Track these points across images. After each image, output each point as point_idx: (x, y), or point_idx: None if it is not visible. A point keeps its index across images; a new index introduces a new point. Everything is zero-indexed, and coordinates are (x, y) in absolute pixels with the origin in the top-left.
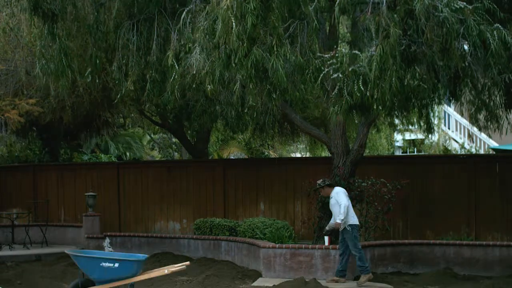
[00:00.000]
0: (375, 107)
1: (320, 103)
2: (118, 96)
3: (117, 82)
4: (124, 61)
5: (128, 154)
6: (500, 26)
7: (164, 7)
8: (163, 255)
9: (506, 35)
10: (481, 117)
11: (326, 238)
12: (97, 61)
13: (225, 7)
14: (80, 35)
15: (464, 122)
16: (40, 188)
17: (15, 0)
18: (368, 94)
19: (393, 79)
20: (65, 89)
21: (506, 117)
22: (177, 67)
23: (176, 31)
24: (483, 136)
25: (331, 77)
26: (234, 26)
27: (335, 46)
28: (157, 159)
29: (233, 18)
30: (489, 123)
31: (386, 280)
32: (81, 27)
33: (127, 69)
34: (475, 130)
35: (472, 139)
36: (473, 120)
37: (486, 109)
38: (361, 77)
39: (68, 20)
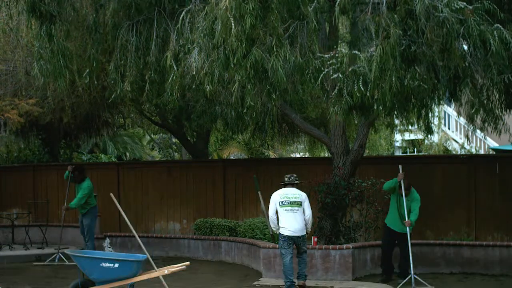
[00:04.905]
0: (375, 107)
1: (320, 103)
2: (113, 96)
3: (112, 82)
4: (122, 62)
5: (127, 154)
6: (500, 26)
7: (163, 8)
8: (163, 255)
9: (506, 35)
10: (479, 117)
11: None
12: (96, 62)
13: (224, 7)
14: (80, 35)
15: (464, 122)
16: (40, 188)
17: (14, 1)
18: (368, 94)
19: (394, 79)
20: (63, 89)
21: (501, 118)
22: (175, 67)
23: (175, 31)
24: (483, 136)
25: (331, 77)
26: (233, 27)
27: (335, 46)
28: (157, 159)
29: (232, 19)
30: (486, 123)
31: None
32: (80, 28)
33: (125, 69)
34: (478, 131)
35: (470, 139)
36: (471, 120)
37: (485, 109)
38: (361, 77)
39: (67, 21)
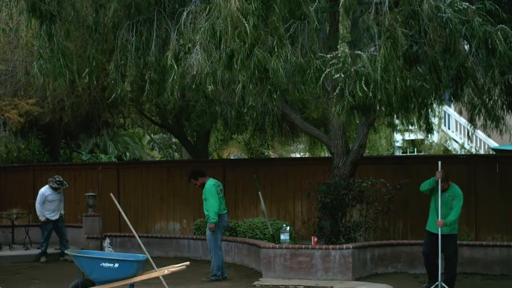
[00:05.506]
0: (378, 108)
1: (321, 103)
2: (113, 96)
3: (113, 82)
4: (122, 62)
5: (127, 154)
6: (505, 26)
7: (163, 7)
8: (163, 255)
9: (510, 35)
10: (481, 117)
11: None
12: (95, 62)
13: (234, 8)
14: (80, 35)
15: (464, 122)
16: (40, 188)
17: (14, 1)
18: (371, 94)
19: (398, 79)
20: (63, 89)
21: (503, 118)
22: (176, 67)
23: (176, 31)
24: (483, 136)
25: (333, 78)
26: (246, 28)
27: (337, 47)
28: (157, 159)
29: (244, 20)
30: (488, 122)
31: (386, 280)
32: (80, 27)
33: (125, 69)
34: (478, 131)
35: (472, 139)
36: (473, 121)
37: (487, 110)
38: (363, 77)
39: (67, 21)
